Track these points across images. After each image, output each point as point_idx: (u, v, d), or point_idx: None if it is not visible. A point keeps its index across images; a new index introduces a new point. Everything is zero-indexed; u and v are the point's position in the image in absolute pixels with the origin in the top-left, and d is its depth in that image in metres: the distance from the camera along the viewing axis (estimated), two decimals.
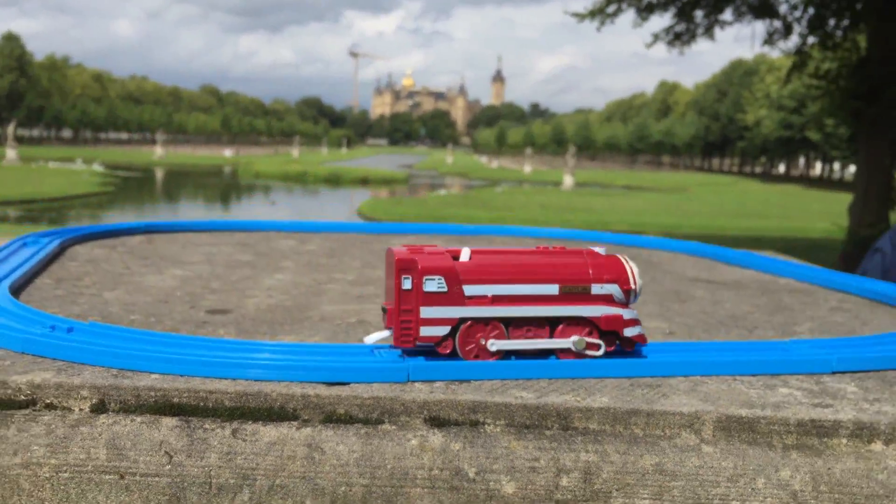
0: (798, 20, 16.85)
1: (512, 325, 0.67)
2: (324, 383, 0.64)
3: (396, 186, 48.33)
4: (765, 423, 0.61)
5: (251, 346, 0.70)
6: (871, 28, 14.11)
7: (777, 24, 16.93)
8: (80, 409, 0.62)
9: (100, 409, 0.62)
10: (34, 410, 0.62)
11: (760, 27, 16.70)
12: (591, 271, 0.68)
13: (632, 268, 0.69)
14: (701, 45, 19.42)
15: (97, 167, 42.38)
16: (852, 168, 21.35)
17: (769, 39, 17.22)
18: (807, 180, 63.54)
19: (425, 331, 0.65)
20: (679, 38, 17.69)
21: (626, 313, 0.68)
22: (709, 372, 0.71)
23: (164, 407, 0.62)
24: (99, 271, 1.09)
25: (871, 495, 0.59)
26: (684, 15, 17.01)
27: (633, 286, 0.69)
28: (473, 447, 0.60)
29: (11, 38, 71.27)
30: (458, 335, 0.66)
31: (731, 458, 0.60)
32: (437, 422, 0.62)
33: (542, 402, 0.63)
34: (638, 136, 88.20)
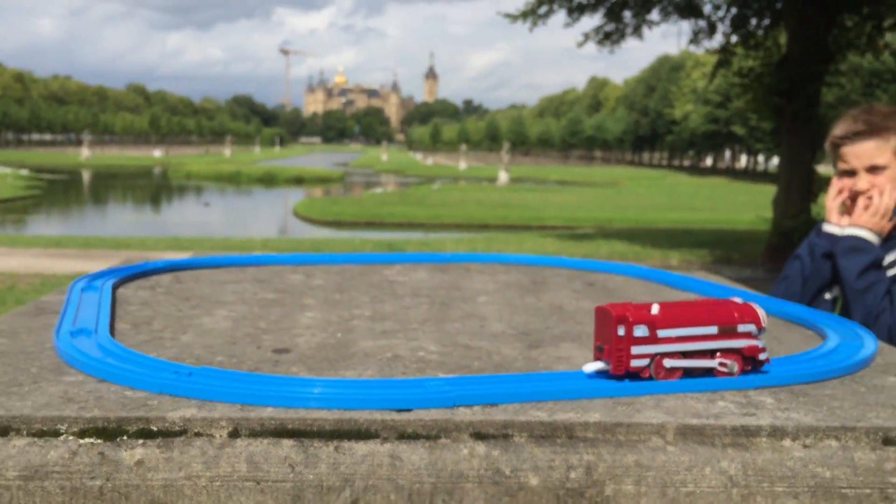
0: (721, 20, 17.49)
1: (686, 355, 0.97)
2: (395, 410, 0.88)
3: (332, 185, 48.18)
4: (709, 429, 0.88)
5: (333, 383, 0.93)
6: (790, 27, 14.78)
7: (702, 23, 17.53)
8: (221, 436, 0.84)
9: (235, 434, 0.84)
10: (187, 437, 0.84)
11: (687, 26, 17.23)
12: (736, 316, 0.99)
13: (761, 312, 1.00)
14: (630, 41, 20.12)
15: (23, 172, 41.04)
16: (776, 160, 22.29)
17: (694, 38, 17.80)
18: (733, 172, 65.61)
19: (634, 362, 0.94)
20: (609, 37, 18.16)
21: (760, 344, 1.00)
22: (666, 391, 0.97)
23: (282, 431, 0.85)
24: (160, 315, 1.30)
25: (783, 476, 0.85)
26: (613, 15, 17.48)
27: (763, 325, 1.01)
28: (507, 453, 0.85)
29: None
30: (653, 364, 0.96)
31: (687, 454, 0.86)
32: (479, 436, 0.87)
33: (553, 419, 0.88)
34: (570, 131, 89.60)
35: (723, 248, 15.53)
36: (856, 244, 1.79)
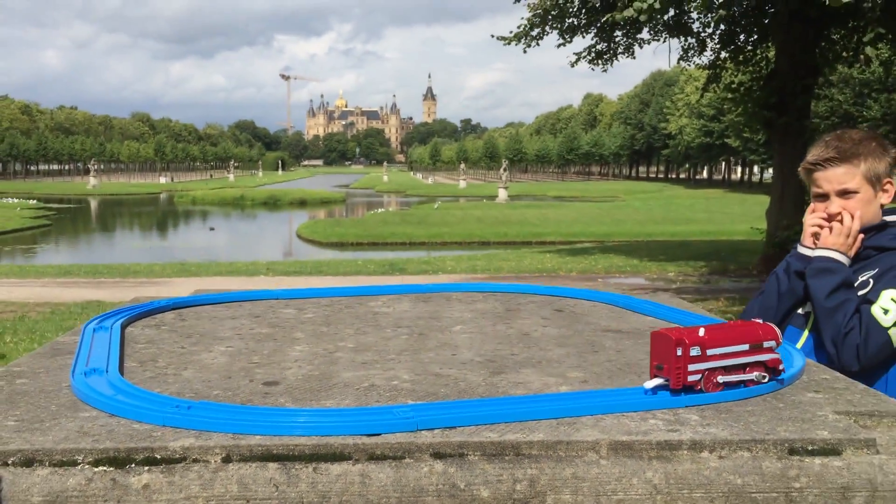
0: (711, 36, 17.67)
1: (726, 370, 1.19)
2: (366, 434, 1.02)
3: (334, 207, 48.40)
4: (637, 444, 1.01)
5: (314, 412, 1.07)
6: (778, 42, 14.96)
7: (691, 40, 17.72)
8: (215, 461, 0.98)
9: (228, 460, 0.98)
10: (186, 464, 0.98)
11: (677, 43, 17.42)
12: (761, 333, 1.22)
13: (778, 331, 1.25)
14: (623, 58, 20.25)
15: (31, 202, 41.30)
16: (771, 171, 22.41)
17: (685, 55, 17.97)
18: (728, 184, 65.78)
19: (690, 378, 1.14)
20: (601, 56, 18.34)
21: (779, 356, 1.24)
22: (605, 411, 1.11)
23: (268, 456, 0.99)
24: (164, 353, 1.44)
25: (700, 484, 0.99)
26: (604, 35, 17.67)
27: (780, 342, 1.25)
28: (462, 470, 0.98)
29: None
30: (703, 378, 1.16)
31: (617, 467, 0.99)
32: (438, 455, 1.00)
33: (503, 439, 1.01)
34: (567, 147, 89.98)
35: (719, 260, 15.66)
36: (825, 265, 1.90)
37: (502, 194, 44.55)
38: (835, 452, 1.02)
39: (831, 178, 1.94)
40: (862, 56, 13.47)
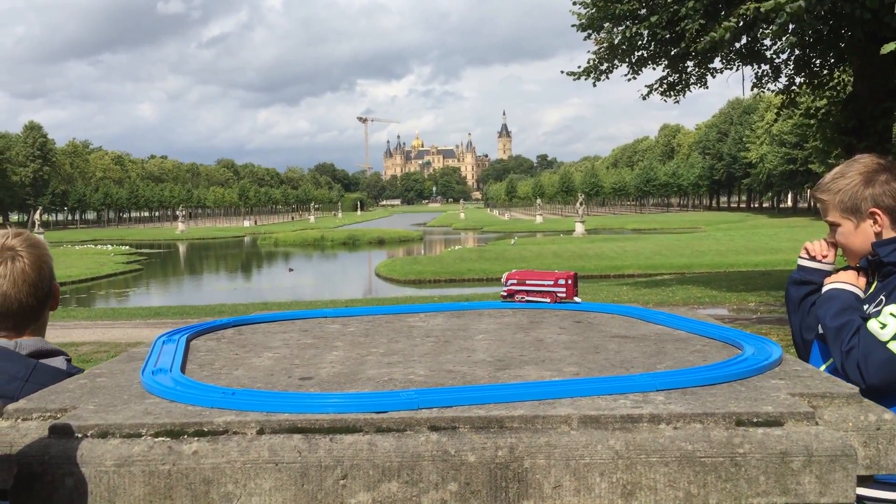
0: (785, 62, 17.43)
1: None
2: (374, 412, 1.22)
3: (412, 245, 49.01)
4: (603, 418, 1.19)
5: (334, 395, 1.28)
6: (855, 66, 14.70)
7: (765, 67, 17.51)
8: (251, 433, 1.20)
9: (261, 432, 1.20)
10: (228, 435, 1.20)
11: (750, 71, 17.28)
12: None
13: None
14: (695, 88, 20.12)
15: (124, 248, 43.18)
16: None
17: (759, 82, 17.75)
18: (814, 212, 63.89)
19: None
20: (673, 87, 18.28)
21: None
22: (585, 394, 1.28)
23: (293, 429, 1.20)
24: (220, 358, 1.68)
25: (656, 450, 1.15)
26: (675, 66, 17.63)
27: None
28: (452, 439, 1.18)
29: (33, 128, 73.59)
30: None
31: (585, 436, 1.17)
32: (434, 428, 1.20)
33: (489, 414, 1.20)
34: (644, 179, 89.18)
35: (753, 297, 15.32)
36: (830, 294, 2.02)
37: (579, 228, 44.42)
38: (777, 424, 1.17)
39: (821, 210, 2.12)
40: None
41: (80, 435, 1.21)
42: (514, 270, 2.43)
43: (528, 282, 2.34)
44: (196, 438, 1.19)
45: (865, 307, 1.97)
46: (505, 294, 2.37)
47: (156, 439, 1.20)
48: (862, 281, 2.04)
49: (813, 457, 1.14)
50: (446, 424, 1.20)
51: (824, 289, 2.06)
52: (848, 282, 2.02)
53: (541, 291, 2.31)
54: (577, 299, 2.30)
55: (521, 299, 2.33)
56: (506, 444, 1.17)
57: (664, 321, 1.95)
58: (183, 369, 1.55)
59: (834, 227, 2.09)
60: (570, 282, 2.30)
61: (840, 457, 1.14)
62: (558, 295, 2.29)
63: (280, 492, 1.16)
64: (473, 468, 1.16)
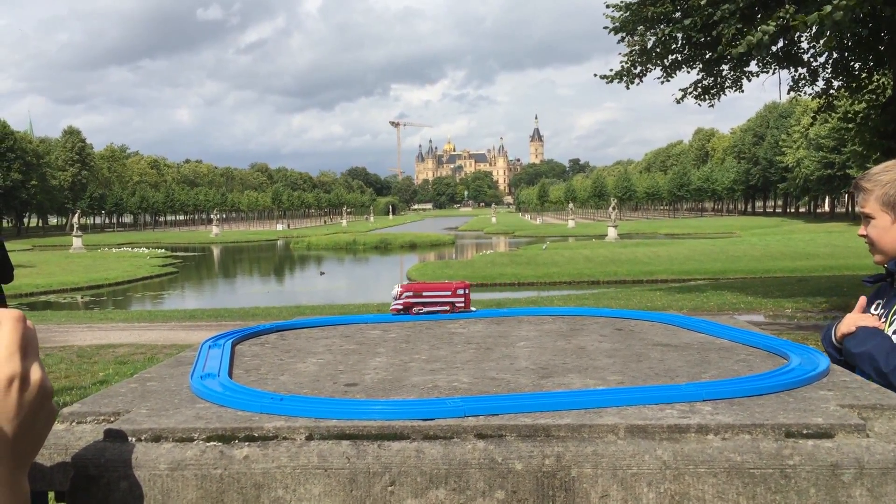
0: (823, 66, 17.19)
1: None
2: (421, 419, 1.23)
3: (444, 249, 49.06)
4: (651, 428, 1.19)
5: (380, 402, 1.29)
6: (894, 68, 14.45)
7: (802, 70, 17.30)
8: (300, 439, 1.22)
9: (310, 437, 1.22)
10: (277, 440, 1.22)
11: (787, 74, 17.07)
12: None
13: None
14: (730, 92, 19.91)
15: (159, 251, 43.78)
16: None
17: (795, 86, 17.52)
18: (852, 217, 62.96)
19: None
20: (707, 91, 18.12)
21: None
22: (630, 403, 1.28)
23: (342, 435, 1.21)
24: (265, 363, 1.71)
25: (704, 461, 1.15)
26: (710, 70, 17.47)
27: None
28: (499, 447, 1.18)
29: (72, 133, 74.93)
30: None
31: (632, 446, 1.17)
32: (481, 436, 1.20)
33: (535, 423, 1.21)
34: (678, 183, 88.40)
35: (840, 295, 15.07)
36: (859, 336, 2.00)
37: (611, 233, 44.16)
38: (827, 435, 1.16)
39: (858, 201, 2.10)
40: None
41: (133, 439, 1.23)
42: (406, 283, 2.36)
43: (424, 294, 2.28)
44: (247, 443, 1.21)
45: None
46: (400, 307, 2.28)
47: (207, 444, 1.22)
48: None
49: (864, 469, 1.13)
50: (493, 432, 1.20)
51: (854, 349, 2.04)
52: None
53: (439, 303, 2.28)
54: (472, 309, 2.31)
55: (417, 311, 2.27)
56: (553, 452, 1.17)
57: (706, 329, 1.94)
58: (230, 374, 1.57)
59: (868, 219, 2.08)
60: (467, 291, 2.29)
61: (892, 469, 1.13)
62: (457, 305, 2.28)
63: (329, 497, 1.17)
64: (520, 476, 1.16)
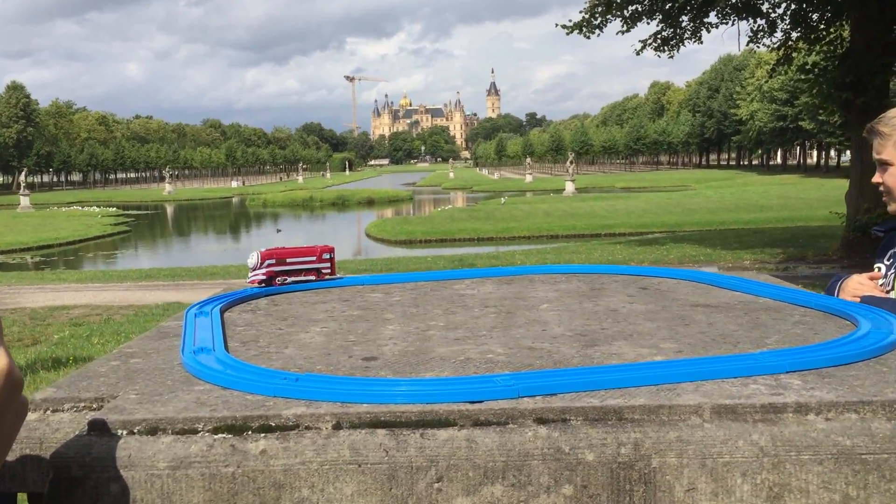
0: (781, 17, 17.15)
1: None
2: (469, 401, 1.04)
3: (402, 205, 48.74)
4: (741, 408, 1.01)
5: (416, 381, 1.10)
6: (853, 20, 14.44)
7: (761, 22, 17.24)
8: (327, 428, 1.02)
9: (338, 427, 1.02)
10: (299, 430, 1.02)
11: (746, 26, 16.96)
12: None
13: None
14: (690, 43, 19.81)
15: (111, 209, 42.73)
16: (849, 153, 21.66)
17: (754, 37, 17.48)
18: (804, 169, 63.92)
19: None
20: (667, 42, 18.01)
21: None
22: (706, 377, 1.11)
23: (376, 423, 1.02)
24: (263, 334, 1.50)
25: (808, 446, 0.98)
26: (670, 21, 17.32)
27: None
28: (565, 434, 1.00)
29: (16, 88, 72.18)
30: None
31: (722, 430, 0.99)
32: (541, 420, 1.02)
33: (604, 404, 1.03)
34: (634, 137, 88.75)
35: (796, 246, 15.23)
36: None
37: (569, 187, 44.20)
38: None
39: (874, 146, 1.95)
40: None
41: (124, 431, 1.02)
42: (265, 249, 1.98)
43: (288, 260, 1.97)
44: (263, 435, 1.01)
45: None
46: (262, 279, 1.94)
47: (215, 436, 1.01)
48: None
49: None
50: (555, 416, 1.02)
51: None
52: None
53: (304, 270, 1.99)
54: (339, 274, 2.08)
55: (281, 282, 1.95)
56: (629, 439, 0.99)
57: (740, 287, 1.78)
58: (226, 348, 1.36)
59: (885, 166, 1.93)
60: (332, 255, 2.04)
61: None
62: (323, 271, 2.02)
63: (364, 497, 0.98)
64: (591, 468, 0.98)
